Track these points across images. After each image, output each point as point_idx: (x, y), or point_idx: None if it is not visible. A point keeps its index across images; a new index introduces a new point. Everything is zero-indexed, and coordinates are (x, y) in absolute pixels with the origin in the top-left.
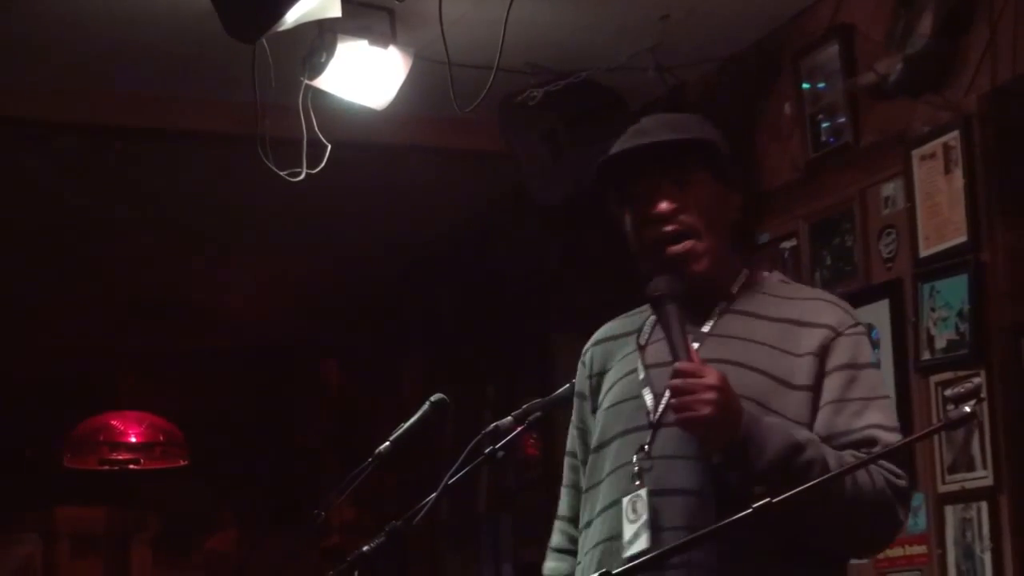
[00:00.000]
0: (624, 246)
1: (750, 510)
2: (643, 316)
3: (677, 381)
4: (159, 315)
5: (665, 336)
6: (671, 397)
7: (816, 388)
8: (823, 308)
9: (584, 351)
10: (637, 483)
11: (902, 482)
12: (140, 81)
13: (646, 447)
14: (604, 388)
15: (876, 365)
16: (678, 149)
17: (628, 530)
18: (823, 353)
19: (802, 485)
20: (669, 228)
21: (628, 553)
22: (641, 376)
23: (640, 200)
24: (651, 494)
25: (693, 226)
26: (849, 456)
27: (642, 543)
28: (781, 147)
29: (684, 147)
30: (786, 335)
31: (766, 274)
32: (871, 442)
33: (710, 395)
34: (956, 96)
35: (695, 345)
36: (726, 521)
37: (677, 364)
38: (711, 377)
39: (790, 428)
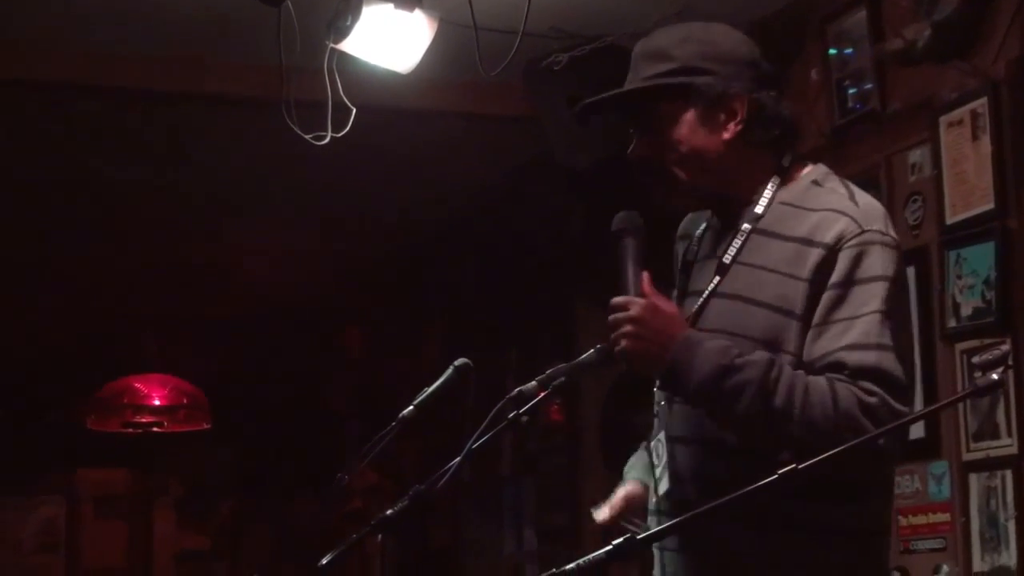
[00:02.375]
0: (648, 211)
1: (775, 476)
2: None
3: (610, 317)
4: (183, 279)
5: (620, 269)
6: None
7: (807, 317)
8: (830, 221)
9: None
10: (657, 425)
11: (873, 399)
12: (165, 44)
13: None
14: None
15: (880, 277)
16: (646, 89)
17: (657, 470)
18: (819, 276)
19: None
20: (651, 168)
21: (659, 492)
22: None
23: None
24: (668, 440)
25: (666, 163)
26: (820, 379)
27: (664, 485)
28: (807, 113)
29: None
30: (795, 257)
31: (806, 170)
32: (837, 366)
33: (628, 328)
34: (984, 63)
35: (715, 279)
36: (749, 488)
37: (612, 300)
38: (634, 309)
39: (729, 352)
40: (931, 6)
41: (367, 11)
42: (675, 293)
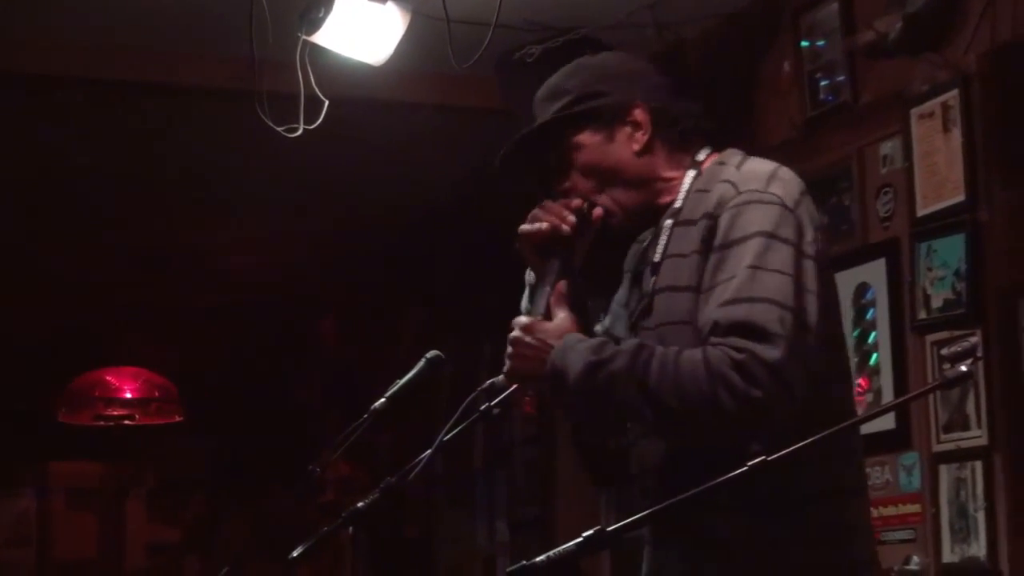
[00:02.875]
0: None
1: (746, 467)
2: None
3: None
4: (156, 271)
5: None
6: None
7: (699, 287)
8: (717, 192)
9: None
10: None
11: (741, 355)
12: (139, 36)
13: None
14: None
15: (753, 233)
16: (548, 125)
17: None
18: (706, 245)
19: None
20: (575, 203)
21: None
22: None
23: (549, 184)
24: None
25: (590, 192)
26: (695, 350)
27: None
28: (779, 105)
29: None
30: (700, 233)
31: (714, 158)
32: (714, 327)
33: (508, 350)
34: (955, 55)
35: (653, 279)
36: (720, 480)
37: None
38: (513, 331)
39: (601, 348)
40: None
41: (339, 3)
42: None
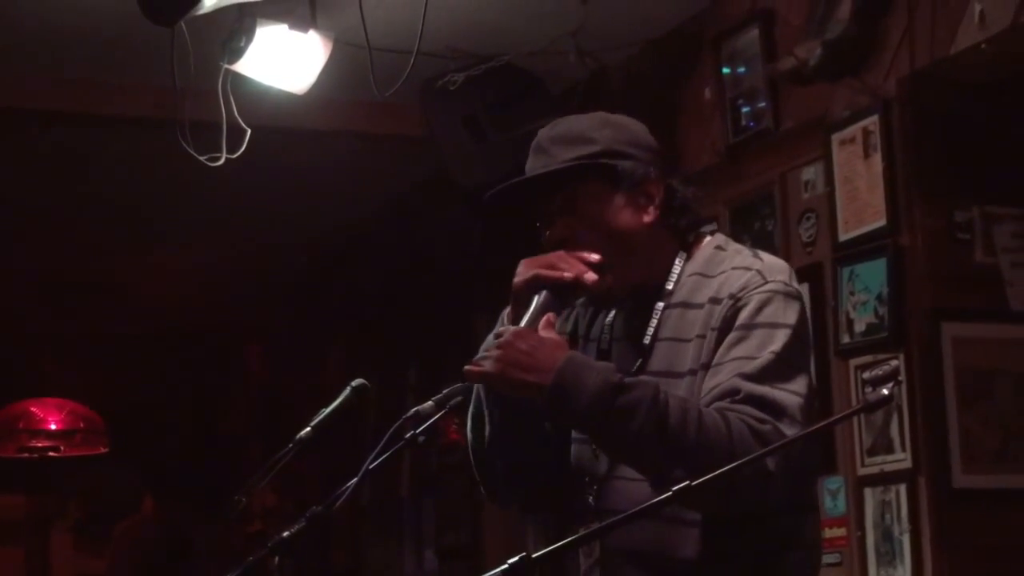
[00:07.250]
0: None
1: (670, 493)
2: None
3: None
4: (80, 301)
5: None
6: None
7: (704, 366)
8: (734, 278)
9: None
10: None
11: (766, 427)
12: (59, 65)
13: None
14: None
15: (782, 324)
16: (570, 169)
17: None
18: (725, 324)
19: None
20: (594, 258)
21: None
22: None
23: (538, 226)
24: (608, 553)
25: (590, 243)
26: (710, 410)
27: None
28: (702, 131)
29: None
30: (706, 318)
31: (706, 240)
32: (731, 391)
33: (495, 352)
34: (875, 80)
35: (639, 361)
36: (644, 505)
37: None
38: (506, 335)
39: (615, 373)
40: (822, 25)
41: (261, 32)
42: None
